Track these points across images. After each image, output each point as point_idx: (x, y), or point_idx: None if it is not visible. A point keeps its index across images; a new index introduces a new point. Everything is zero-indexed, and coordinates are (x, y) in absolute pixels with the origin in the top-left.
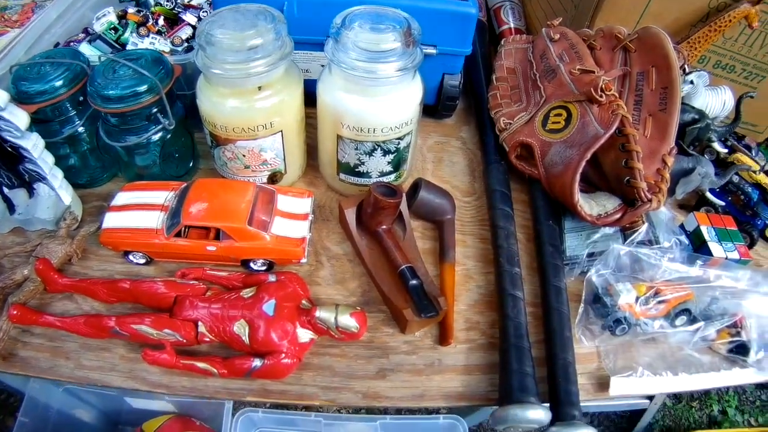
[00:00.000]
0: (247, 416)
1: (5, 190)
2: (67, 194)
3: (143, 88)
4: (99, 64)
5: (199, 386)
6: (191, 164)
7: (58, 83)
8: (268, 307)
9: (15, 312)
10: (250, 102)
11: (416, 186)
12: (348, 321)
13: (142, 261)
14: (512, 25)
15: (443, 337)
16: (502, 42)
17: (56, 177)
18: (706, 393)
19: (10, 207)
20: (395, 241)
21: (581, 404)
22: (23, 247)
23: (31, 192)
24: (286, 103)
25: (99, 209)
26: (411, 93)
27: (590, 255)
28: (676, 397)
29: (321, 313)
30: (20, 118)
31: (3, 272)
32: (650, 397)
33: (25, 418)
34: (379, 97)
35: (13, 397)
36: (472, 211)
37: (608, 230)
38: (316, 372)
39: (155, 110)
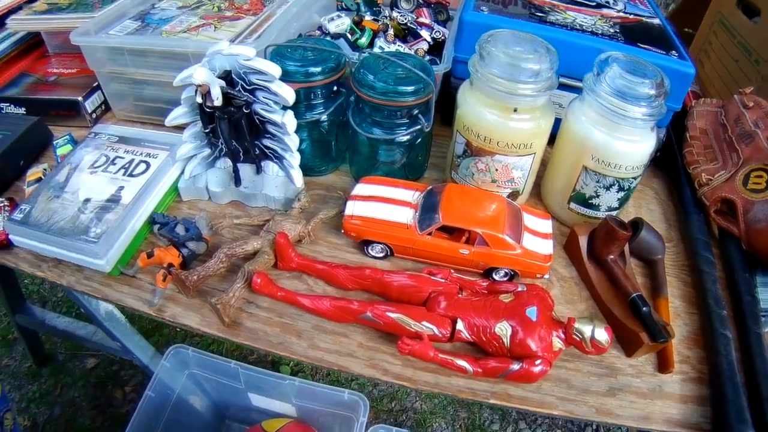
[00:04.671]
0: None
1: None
2: (300, 176)
3: (410, 88)
4: (368, 57)
5: (443, 383)
6: (424, 169)
7: (317, 69)
8: (531, 312)
9: (259, 280)
10: (506, 120)
11: (636, 224)
12: (602, 335)
13: (381, 254)
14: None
15: (664, 364)
16: (693, 103)
17: (295, 158)
18: None
19: (237, 179)
20: (622, 270)
21: None
22: (250, 219)
23: (258, 169)
24: (542, 129)
25: (322, 197)
26: (650, 138)
27: None
28: None
29: (579, 325)
30: (287, 93)
31: (222, 238)
32: None
33: (152, 393)
34: (623, 135)
35: (123, 371)
36: (672, 257)
37: None
38: (554, 383)
39: (416, 111)
